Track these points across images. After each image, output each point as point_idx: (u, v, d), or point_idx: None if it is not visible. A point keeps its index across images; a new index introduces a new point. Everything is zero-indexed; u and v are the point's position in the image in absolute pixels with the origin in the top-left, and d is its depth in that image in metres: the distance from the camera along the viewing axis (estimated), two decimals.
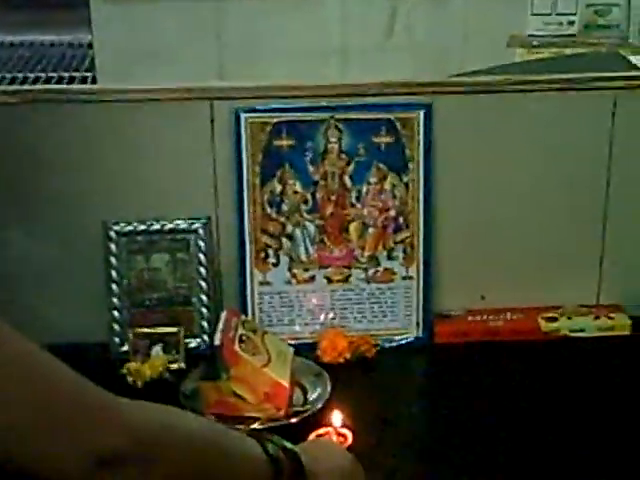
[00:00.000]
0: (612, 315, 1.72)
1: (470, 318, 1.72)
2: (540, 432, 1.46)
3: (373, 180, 1.66)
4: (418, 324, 1.70)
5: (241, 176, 1.64)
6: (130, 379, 1.57)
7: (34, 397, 0.81)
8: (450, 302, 1.73)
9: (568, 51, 2.65)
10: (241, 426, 1.46)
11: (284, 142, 1.63)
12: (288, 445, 1.02)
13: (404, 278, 1.69)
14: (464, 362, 1.66)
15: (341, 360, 1.63)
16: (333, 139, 1.64)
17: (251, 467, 0.96)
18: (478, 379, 1.61)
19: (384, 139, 1.64)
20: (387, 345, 1.69)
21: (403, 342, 1.70)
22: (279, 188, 1.65)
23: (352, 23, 2.64)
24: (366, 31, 2.63)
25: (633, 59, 2.09)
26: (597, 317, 1.72)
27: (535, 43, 2.65)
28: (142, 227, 1.64)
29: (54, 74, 3.00)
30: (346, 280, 1.69)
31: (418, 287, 1.69)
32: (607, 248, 1.74)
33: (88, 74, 2.96)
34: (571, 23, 2.64)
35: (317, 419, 1.45)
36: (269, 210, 1.66)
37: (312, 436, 1.39)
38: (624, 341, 1.71)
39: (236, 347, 1.50)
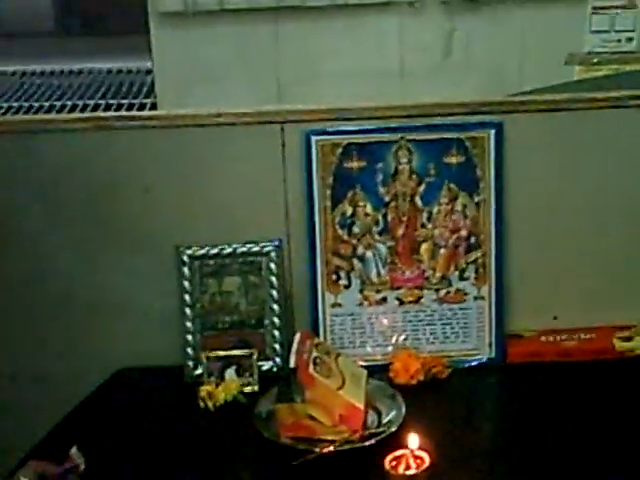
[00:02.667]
0: None
1: (543, 338, 1.71)
2: (616, 453, 1.43)
3: (444, 200, 1.66)
4: (490, 345, 1.69)
5: (312, 199, 1.64)
6: (204, 402, 1.58)
7: None
8: (522, 322, 1.72)
9: (627, 68, 2.64)
10: (317, 449, 1.47)
11: (354, 164, 1.64)
12: None
13: (476, 298, 1.69)
14: (537, 383, 1.64)
15: (414, 382, 1.63)
16: (404, 160, 1.64)
17: None
18: (552, 400, 1.59)
19: (455, 159, 1.64)
20: (460, 366, 1.68)
21: (476, 363, 1.69)
22: (350, 210, 1.65)
23: (409, 44, 2.64)
24: (424, 52, 2.63)
25: None
26: None
27: (594, 60, 2.63)
28: (214, 251, 1.65)
29: (113, 101, 3.04)
30: (418, 301, 1.68)
31: (490, 307, 1.68)
32: None
33: (147, 100, 3.00)
34: (630, 40, 2.62)
35: (392, 441, 1.44)
36: (340, 232, 1.66)
37: (388, 459, 1.39)
38: None
39: (311, 369, 1.50)
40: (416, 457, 1.39)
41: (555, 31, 2.61)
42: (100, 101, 3.06)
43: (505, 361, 1.69)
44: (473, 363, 1.68)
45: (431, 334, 1.69)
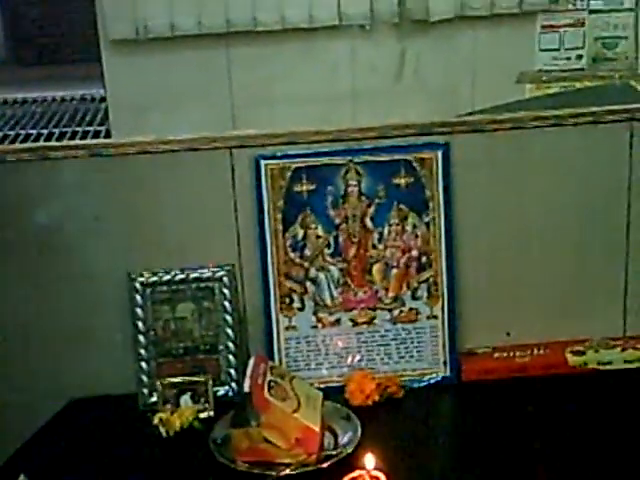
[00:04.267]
0: (639, 346, 1.73)
1: (496, 355, 1.72)
2: (573, 468, 1.44)
3: (394, 221, 1.66)
4: (445, 363, 1.70)
5: (263, 222, 1.65)
6: (160, 429, 1.57)
7: None
8: (476, 340, 1.73)
9: (578, 84, 2.68)
10: (274, 473, 1.47)
11: (304, 187, 1.65)
12: None
13: (429, 317, 1.69)
14: (492, 400, 1.64)
15: (369, 402, 1.63)
16: (353, 182, 1.65)
17: None
18: (507, 416, 1.60)
19: (403, 180, 1.65)
20: (415, 385, 1.69)
21: (431, 382, 1.70)
22: (301, 233, 1.66)
23: (361, 66, 2.67)
24: (375, 74, 2.65)
25: None
26: (624, 349, 1.71)
27: (544, 78, 2.67)
28: (166, 277, 1.65)
29: (67, 129, 3.04)
30: (371, 322, 1.69)
31: (443, 326, 1.69)
32: (631, 278, 1.74)
33: (101, 127, 3.00)
34: (579, 57, 2.66)
35: (349, 462, 1.44)
36: (292, 255, 1.66)
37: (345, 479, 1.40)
38: None
39: (266, 393, 1.50)
40: (372, 477, 1.40)
41: (506, 50, 2.65)
42: (54, 129, 3.06)
43: (460, 379, 1.69)
44: (428, 382, 1.69)
45: (385, 354, 1.69)
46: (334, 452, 1.49)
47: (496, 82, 2.58)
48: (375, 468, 1.40)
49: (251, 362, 1.55)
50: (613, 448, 1.48)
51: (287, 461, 1.47)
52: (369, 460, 1.41)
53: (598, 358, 1.70)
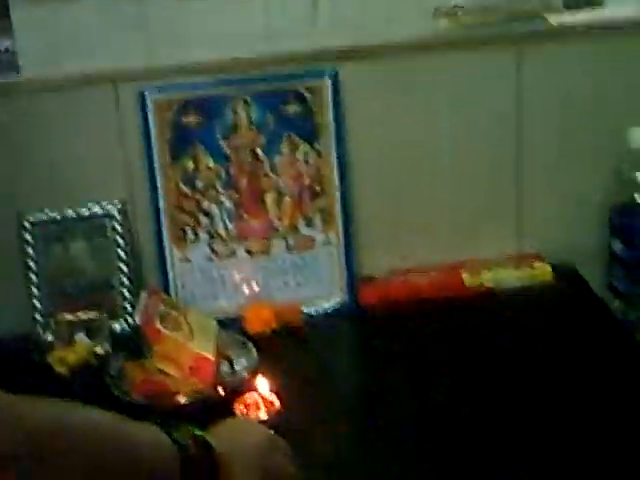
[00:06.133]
0: (533, 264, 1.74)
1: (394, 279, 1.74)
2: (470, 386, 1.47)
3: (285, 150, 1.66)
4: (342, 289, 1.71)
5: (152, 156, 1.64)
6: (56, 367, 1.56)
7: None
8: (373, 265, 1.75)
9: (490, 19, 2.68)
10: (169, 402, 1.48)
11: (192, 119, 1.63)
12: (197, 431, 0.99)
13: (325, 244, 1.70)
14: (390, 323, 1.66)
15: (268, 331, 1.64)
16: (242, 112, 1.64)
17: (158, 457, 0.93)
18: (405, 339, 1.61)
19: (293, 109, 1.65)
20: (313, 312, 1.70)
21: (329, 308, 1.71)
22: (191, 165, 1.65)
23: (275, 3, 2.63)
24: (289, 10, 2.62)
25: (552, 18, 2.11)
26: (519, 267, 1.74)
27: (459, 13, 2.66)
28: (57, 215, 1.64)
29: None
30: (267, 251, 1.70)
31: (339, 252, 1.70)
32: (524, 199, 1.77)
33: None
34: None
35: (245, 389, 1.44)
36: (183, 188, 1.66)
37: (239, 404, 1.40)
38: (547, 289, 1.73)
39: (157, 324, 1.50)
40: (267, 401, 1.41)
41: None
42: None
43: (358, 304, 1.71)
44: (326, 308, 1.70)
45: (283, 283, 1.70)
46: (230, 379, 1.50)
47: (412, 17, 2.57)
48: (270, 393, 1.42)
49: (143, 295, 1.55)
50: (511, 364, 1.51)
51: (182, 390, 1.47)
52: (263, 384, 1.42)
53: (493, 277, 1.72)
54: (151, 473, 0.92)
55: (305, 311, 1.68)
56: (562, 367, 1.49)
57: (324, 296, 1.70)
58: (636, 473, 1.23)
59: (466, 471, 1.27)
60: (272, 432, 1.11)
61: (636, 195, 1.66)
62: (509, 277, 1.72)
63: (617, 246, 1.69)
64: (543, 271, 1.73)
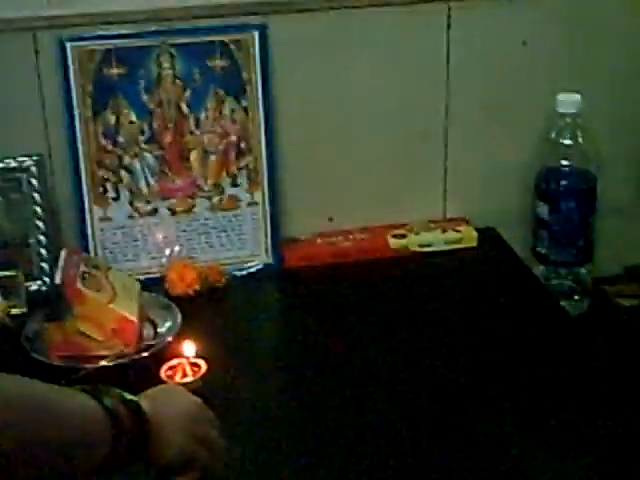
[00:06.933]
0: (459, 228, 1.74)
1: (319, 241, 1.71)
2: (391, 348, 1.46)
3: (211, 106, 1.61)
4: (267, 250, 1.68)
5: (71, 109, 1.56)
6: None
7: None
8: (299, 226, 1.72)
9: None
10: (89, 365, 1.42)
11: (114, 71, 1.56)
12: (127, 396, 0.96)
13: (250, 204, 1.66)
14: (315, 285, 1.64)
15: (191, 292, 1.60)
16: (166, 65, 1.58)
17: (87, 423, 0.90)
18: (328, 301, 1.59)
19: (219, 63, 1.59)
20: (237, 273, 1.66)
21: (253, 269, 1.67)
22: (113, 119, 1.59)
23: None
24: None
25: None
26: (444, 231, 1.74)
27: None
28: None
29: None
30: (190, 210, 1.64)
31: (265, 213, 1.66)
32: (450, 163, 1.76)
33: None
34: None
35: (169, 352, 1.40)
36: (104, 142, 1.59)
37: (164, 369, 1.36)
38: (472, 253, 1.73)
39: (78, 285, 1.43)
40: (192, 365, 1.37)
41: None
42: None
43: (282, 266, 1.68)
44: (250, 270, 1.67)
45: (206, 243, 1.66)
46: (153, 342, 1.45)
47: None
48: (195, 356, 1.38)
49: (63, 254, 1.48)
50: (433, 327, 1.50)
51: (104, 353, 1.42)
52: (188, 348, 1.38)
53: (419, 241, 1.72)
54: (83, 440, 0.89)
55: (229, 272, 1.64)
56: (485, 331, 1.49)
57: (248, 257, 1.67)
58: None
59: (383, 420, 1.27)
60: (200, 400, 1.09)
61: (562, 160, 1.68)
62: (434, 240, 1.71)
63: (542, 210, 1.69)
64: (468, 235, 1.73)
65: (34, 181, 1.58)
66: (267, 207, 1.66)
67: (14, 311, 1.54)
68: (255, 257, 1.68)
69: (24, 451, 0.81)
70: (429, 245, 1.72)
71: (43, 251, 1.59)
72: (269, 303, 1.67)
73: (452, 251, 1.73)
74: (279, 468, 1.20)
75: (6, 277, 1.55)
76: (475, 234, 1.74)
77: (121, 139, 1.60)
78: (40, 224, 1.58)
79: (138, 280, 1.56)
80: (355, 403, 1.33)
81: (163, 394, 1.08)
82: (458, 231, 1.74)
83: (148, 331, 1.50)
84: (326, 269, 1.68)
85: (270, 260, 1.68)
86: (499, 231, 1.78)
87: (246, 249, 1.67)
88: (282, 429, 1.29)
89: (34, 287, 1.59)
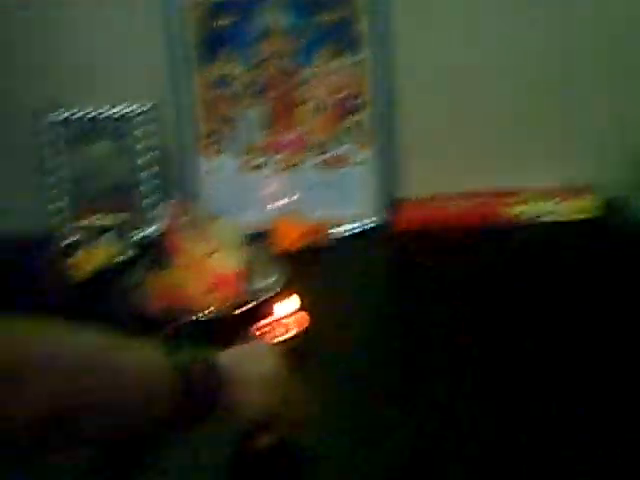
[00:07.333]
0: (581, 197, 1.64)
1: (431, 204, 1.65)
2: (502, 319, 1.37)
3: (322, 59, 1.57)
4: (376, 210, 1.63)
5: (183, 59, 1.56)
6: (75, 272, 1.51)
7: None
8: (410, 188, 1.66)
9: None
10: (187, 317, 1.43)
11: (225, 21, 1.55)
12: (203, 353, 0.94)
13: (360, 162, 1.62)
14: (422, 250, 1.57)
15: (296, 248, 1.57)
16: (278, 17, 1.55)
17: (154, 378, 0.89)
18: (435, 267, 1.52)
19: (332, 15, 1.55)
20: (343, 233, 1.62)
21: (360, 229, 1.63)
22: (223, 70, 1.57)
23: None
24: None
25: None
26: (564, 199, 1.64)
27: None
28: (82, 114, 1.57)
29: None
30: (299, 165, 1.62)
31: (375, 172, 1.62)
32: (576, 129, 1.66)
33: None
34: None
35: (269, 308, 1.37)
36: (214, 93, 1.58)
37: (262, 325, 1.35)
38: (595, 224, 1.62)
39: (179, 235, 1.43)
40: (292, 322, 1.35)
41: None
42: None
43: (391, 227, 1.63)
44: (357, 229, 1.63)
45: (313, 200, 1.63)
46: (253, 297, 1.44)
47: None
48: (294, 312, 1.36)
49: (168, 204, 1.49)
50: (546, 299, 1.40)
51: (202, 306, 1.41)
52: (289, 304, 1.36)
53: (538, 209, 1.63)
54: (149, 394, 0.88)
55: (335, 230, 1.61)
56: (607, 314, 1.38)
57: (356, 216, 1.63)
58: None
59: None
60: (286, 363, 1.07)
61: None
62: (554, 209, 1.62)
63: None
64: (590, 205, 1.63)
65: (146, 128, 1.59)
66: (378, 165, 1.62)
67: (119, 257, 1.56)
68: (363, 217, 1.64)
69: (91, 403, 0.82)
70: (549, 214, 1.63)
71: (151, 199, 1.61)
72: (374, 264, 1.61)
73: (572, 222, 1.63)
74: (373, 438, 1.11)
75: (114, 222, 1.58)
76: (598, 204, 1.63)
77: (231, 90, 1.58)
78: (150, 172, 1.60)
79: (243, 234, 1.56)
80: (459, 374, 1.24)
81: (247, 353, 1.05)
82: (580, 200, 1.64)
83: (249, 286, 1.48)
84: (436, 233, 1.61)
85: (378, 221, 1.64)
86: (628, 201, 1.65)
87: (354, 208, 1.63)
88: (377, 394, 1.21)
89: (139, 234, 1.61)
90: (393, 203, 1.64)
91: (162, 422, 0.90)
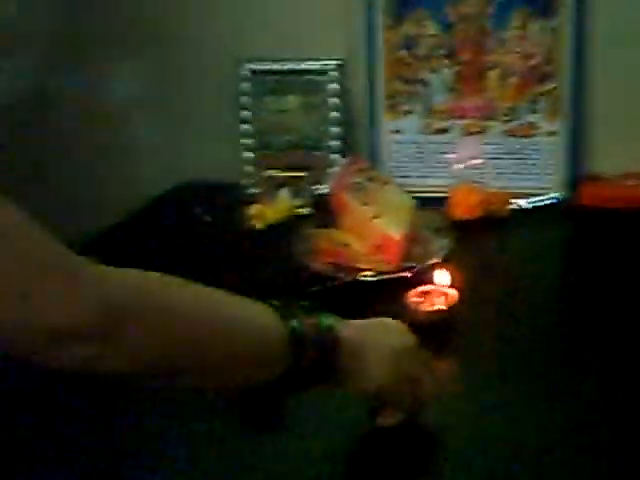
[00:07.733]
0: None
1: (623, 182, 1.55)
2: None
3: (516, 24, 1.51)
4: (561, 185, 1.56)
5: (373, 17, 1.55)
6: (253, 221, 1.56)
7: None
8: (601, 163, 1.57)
9: None
10: (348, 276, 1.43)
11: None
12: (323, 320, 0.93)
13: (548, 133, 1.55)
14: (606, 229, 1.48)
15: (471, 217, 1.53)
16: None
17: (266, 341, 0.90)
18: (617, 249, 1.42)
19: None
20: (524, 205, 1.56)
21: (542, 203, 1.57)
22: (414, 30, 1.55)
23: None
24: None
25: None
26: None
27: None
28: (276, 67, 1.60)
29: None
30: (483, 132, 1.57)
31: (564, 144, 1.54)
32: None
33: None
34: None
35: (428, 276, 1.33)
36: (402, 53, 1.56)
37: (414, 293, 1.33)
38: None
39: (346, 195, 1.44)
40: (446, 293, 1.33)
41: None
42: None
43: (576, 203, 1.55)
44: (539, 203, 1.56)
45: (496, 169, 1.58)
46: (415, 263, 1.41)
47: None
48: (451, 285, 1.33)
49: (343, 162, 1.51)
50: None
51: (365, 266, 1.41)
52: (447, 274, 1.34)
53: None
54: (260, 356, 0.90)
55: (515, 202, 1.55)
56: None
57: (539, 189, 1.57)
58: None
59: None
60: (416, 339, 1.02)
61: None
62: None
63: None
64: None
65: (334, 85, 1.60)
66: (568, 138, 1.54)
67: (299, 211, 1.59)
68: (546, 190, 1.57)
69: (203, 362, 0.85)
70: None
71: (334, 156, 1.62)
72: (552, 241, 1.53)
73: None
74: (512, 426, 1.03)
75: (296, 177, 1.62)
76: None
77: (419, 51, 1.56)
78: (334, 129, 1.61)
79: (419, 198, 1.53)
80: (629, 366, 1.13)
81: (375, 326, 1.03)
82: None
83: (413, 251, 1.45)
84: (625, 213, 1.50)
85: (563, 195, 1.56)
86: None
87: (538, 180, 1.57)
88: (523, 380, 1.12)
89: (320, 190, 1.61)
90: (580, 179, 1.56)
91: (269, 381, 0.91)
